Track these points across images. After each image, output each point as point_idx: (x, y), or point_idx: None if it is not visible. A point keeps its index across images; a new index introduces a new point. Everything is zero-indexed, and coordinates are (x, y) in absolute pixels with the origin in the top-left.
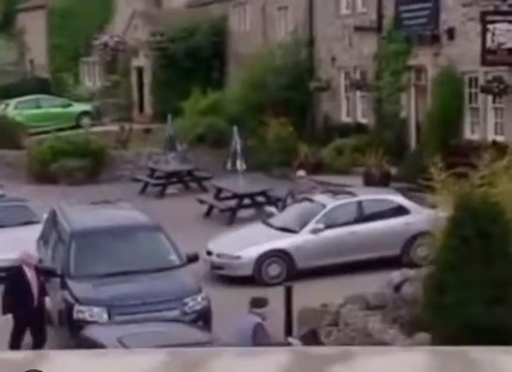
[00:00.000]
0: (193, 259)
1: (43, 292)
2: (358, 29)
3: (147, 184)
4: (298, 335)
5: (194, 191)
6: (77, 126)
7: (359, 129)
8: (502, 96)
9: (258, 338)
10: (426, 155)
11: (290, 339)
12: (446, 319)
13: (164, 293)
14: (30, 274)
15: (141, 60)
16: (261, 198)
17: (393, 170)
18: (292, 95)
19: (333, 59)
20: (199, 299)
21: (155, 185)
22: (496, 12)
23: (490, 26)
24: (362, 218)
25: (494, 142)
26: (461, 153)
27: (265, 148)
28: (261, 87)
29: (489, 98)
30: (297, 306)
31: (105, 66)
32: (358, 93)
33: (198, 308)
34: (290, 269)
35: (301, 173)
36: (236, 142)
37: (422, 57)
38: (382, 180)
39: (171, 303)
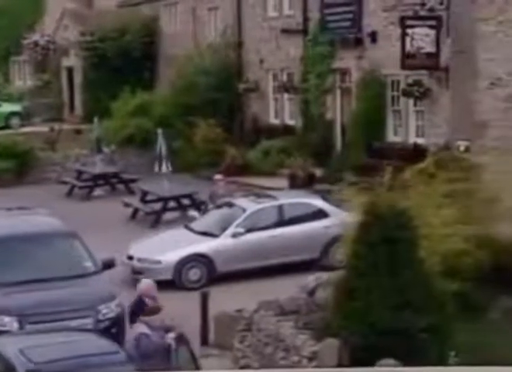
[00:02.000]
0: (109, 265)
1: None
2: (284, 31)
3: (73, 187)
4: (213, 341)
5: (121, 193)
6: (7, 127)
7: (286, 130)
8: (422, 99)
9: (141, 348)
10: (350, 157)
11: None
12: (354, 324)
13: (77, 300)
14: None
15: (71, 60)
16: (186, 201)
17: (318, 172)
18: (221, 97)
19: (262, 61)
20: (113, 306)
21: (81, 187)
22: (415, 17)
23: (409, 31)
24: (283, 221)
25: (415, 145)
26: (384, 155)
27: (193, 149)
28: (190, 88)
29: (411, 101)
30: (215, 311)
31: (35, 65)
32: (286, 95)
33: (111, 315)
34: (211, 273)
35: (218, 176)
36: (161, 145)
37: (346, 60)
38: (306, 182)
39: (83, 311)
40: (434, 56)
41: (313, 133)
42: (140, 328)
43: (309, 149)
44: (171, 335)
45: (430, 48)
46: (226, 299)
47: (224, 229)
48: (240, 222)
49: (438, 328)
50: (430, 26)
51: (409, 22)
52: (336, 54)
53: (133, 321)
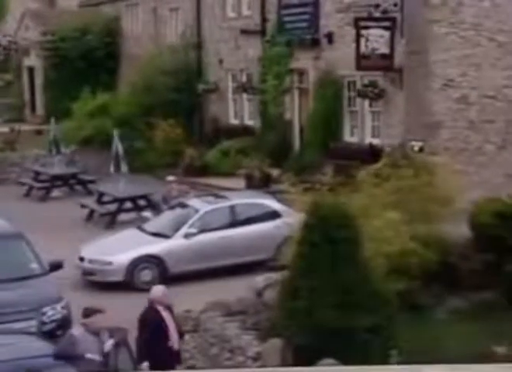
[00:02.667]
0: (56, 267)
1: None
2: (243, 32)
3: (31, 188)
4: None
5: (79, 194)
6: None
7: (246, 131)
8: (377, 100)
9: (60, 346)
10: (307, 157)
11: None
12: (297, 324)
13: (21, 302)
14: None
15: (32, 60)
16: (142, 202)
17: (275, 172)
18: (181, 97)
19: (221, 61)
20: (59, 308)
21: (39, 188)
22: (370, 18)
23: (364, 32)
24: (235, 222)
25: (371, 145)
26: (341, 156)
27: (153, 150)
28: (150, 88)
29: (366, 101)
30: None
31: None
32: (245, 95)
33: (57, 317)
34: (163, 274)
35: (170, 177)
36: (117, 145)
37: (303, 61)
38: (262, 183)
39: (27, 313)
40: (389, 57)
41: (272, 134)
42: (74, 330)
43: (267, 150)
44: (111, 340)
45: (384, 49)
46: (177, 300)
47: (176, 230)
48: (193, 222)
49: (381, 328)
50: (385, 28)
51: (363, 24)
52: (293, 55)
53: (141, 329)
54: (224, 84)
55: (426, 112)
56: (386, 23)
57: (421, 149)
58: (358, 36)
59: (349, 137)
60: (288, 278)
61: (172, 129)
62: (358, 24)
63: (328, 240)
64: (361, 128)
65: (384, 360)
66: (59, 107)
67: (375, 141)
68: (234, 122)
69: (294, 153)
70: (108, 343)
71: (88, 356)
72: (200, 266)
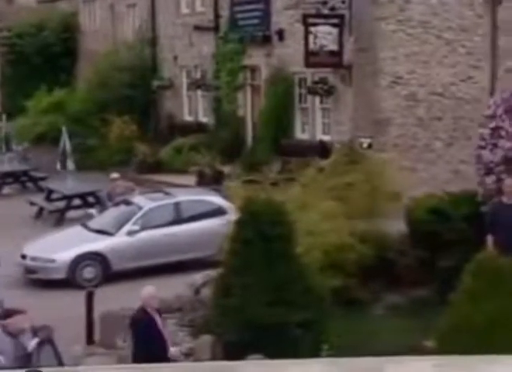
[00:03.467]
0: None
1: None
2: (197, 28)
3: None
4: (98, 339)
5: (31, 191)
6: None
7: (200, 128)
8: (327, 97)
9: None
10: (259, 154)
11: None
12: (229, 321)
13: None
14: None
15: None
16: (91, 199)
17: (227, 169)
18: (136, 94)
19: (176, 58)
20: None
21: None
22: (318, 15)
23: (312, 29)
24: (179, 219)
25: (321, 142)
26: (292, 152)
27: (107, 147)
28: (105, 85)
29: (317, 98)
30: (104, 309)
31: None
32: (199, 92)
33: None
34: (105, 271)
35: (114, 175)
36: (66, 142)
37: (255, 57)
38: (214, 179)
39: None
40: (337, 54)
41: (225, 130)
42: None
43: (220, 147)
44: (35, 340)
45: (332, 46)
46: (117, 297)
47: (120, 227)
48: (136, 219)
49: (313, 323)
50: (333, 25)
51: (311, 20)
52: (246, 52)
53: (133, 329)
54: (179, 81)
55: (374, 109)
56: (335, 20)
57: (370, 146)
58: (307, 33)
59: (300, 134)
60: (222, 275)
61: (126, 125)
62: (307, 21)
63: (261, 237)
64: (311, 125)
65: (315, 355)
66: (15, 104)
67: (326, 138)
68: (189, 118)
69: (246, 150)
70: (32, 343)
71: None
72: (143, 263)
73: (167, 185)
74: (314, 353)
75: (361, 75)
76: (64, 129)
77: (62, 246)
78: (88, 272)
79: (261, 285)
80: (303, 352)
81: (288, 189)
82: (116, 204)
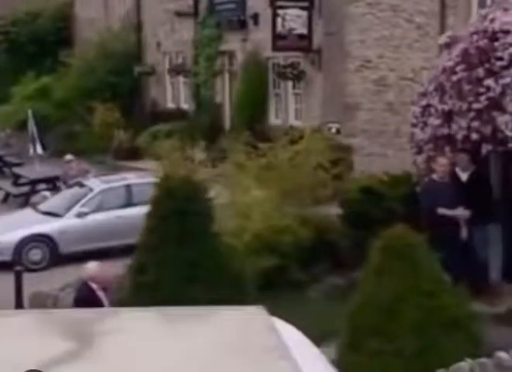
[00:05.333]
0: None
1: None
2: (178, 14)
3: None
4: None
5: (7, 177)
6: None
7: (182, 114)
8: (298, 82)
9: None
10: (234, 140)
11: None
12: (142, 299)
13: None
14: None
15: None
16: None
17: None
18: (121, 80)
19: (159, 44)
20: None
21: None
22: None
23: (281, 12)
24: (131, 201)
25: (290, 127)
26: (266, 138)
27: (91, 134)
28: (92, 72)
29: (290, 83)
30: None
31: None
32: (181, 79)
33: None
34: (53, 254)
35: (69, 157)
36: (32, 127)
37: (232, 43)
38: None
39: None
40: (306, 37)
41: (203, 116)
42: None
43: (198, 133)
44: None
45: (302, 29)
46: (59, 279)
47: (69, 209)
48: (86, 201)
49: (229, 302)
50: (302, 7)
51: (279, 3)
52: (223, 37)
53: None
54: (162, 68)
55: (343, 94)
56: (304, 3)
57: (338, 131)
58: (275, 16)
59: (274, 119)
60: (138, 253)
61: (110, 112)
62: (274, 3)
63: (177, 213)
64: (284, 110)
65: None
66: (6, 91)
67: (297, 123)
68: (171, 105)
69: (223, 136)
70: None
71: None
72: (93, 246)
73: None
74: None
75: (330, 59)
76: (30, 112)
77: (8, 228)
78: (35, 254)
79: (176, 262)
80: None
81: (219, 168)
82: (70, 187)
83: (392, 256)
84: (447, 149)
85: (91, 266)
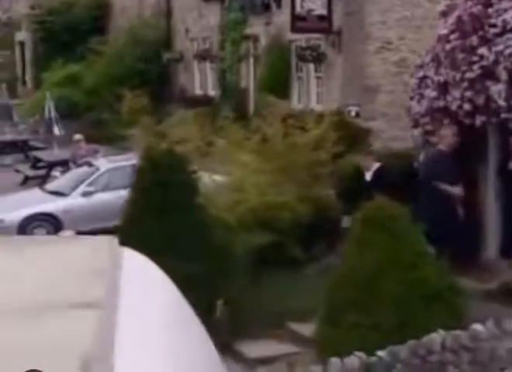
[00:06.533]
0: None
1: None
2: None
3: None
4: None
5: (31, 161)
6: None
7: (209, 101)
8: (318, 64)
9: None
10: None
11: None
12: None
13: None
14: None
15: (23, 34)
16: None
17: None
18: (150, 67)
19: (187, 30)
20: None
21: None
22: None
23: None
24: None
25: (312, 112)
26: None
27: (119, 121)
28: (121, 59)
29: (312, 67)
30: None
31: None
32: (208, 65)
33: None
34: (57, 233)
35: (78, 136)
36: (50, 108)
37: (256, 27)
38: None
39: None
40: (326, 18)
41: (228, 102)
42: None
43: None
44: None
45: (321, 10)
46: None
47: (75, 188)
48: (92, 180)
49: (209, 277)
50: None
51: None
52: (248, 21)
53: None
54: (190, 54)
55: (363, 76)
56: None
57: (358, 115)
58: None
59: (297, 104)
60: (120, 225)
61: (138, 99)
62: None
63: (158, 184)
64: (306, 94)
65: (208, 309)
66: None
67: (318, 107)
68: (199, 92)
69: (247, 122)
70: None
71: None
72: (97, 225)
73: None
74: (207, 306)
75: (350, 41)
76: (48, 94)
77: (13, 207)
78: (39, 233)
79: (156, 234)
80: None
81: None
82: (79, 166)
83: (372, 227)
84: (445, 121)
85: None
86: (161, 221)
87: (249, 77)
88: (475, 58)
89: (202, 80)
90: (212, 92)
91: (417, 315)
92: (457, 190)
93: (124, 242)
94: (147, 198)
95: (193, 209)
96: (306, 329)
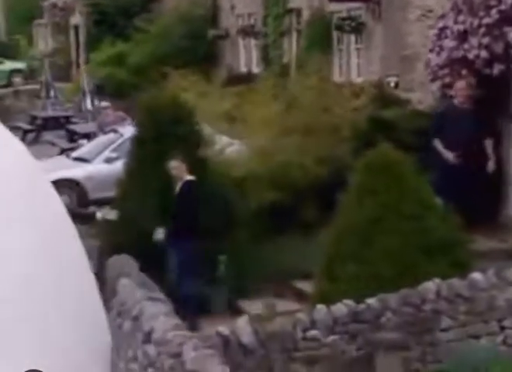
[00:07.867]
0: None
1: None
2: None
3: (25, 132)
4: None
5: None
6: (9, 85)
7: (253, 78)
8: (357, 34)
9: None
10: None
11: None
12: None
13: None
14: None
15: (77, 18)
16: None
17: None
18: (195, 45)
19: (233, 7)
20: None
21: (30, 131)
22: None
23: None
24: None
25: (350, 84)
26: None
27: None
28: (166, 37)
29: (352, 38)
30: None
31: (54, 27)
32: (253, 41)
33: None
34: (81, 199)
35: (105, 103)
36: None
37: (298, 0)
38: None
39: None
40: None
41: (272, 78)
42: None
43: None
44: None
45: None
46: None
47: (98, 155)
48: (115, 146)
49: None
50: None
51: None
52: None
53: None
54: (235, 31)
55: (402, 45)
56: None
57: (397, 85)
58: None
59: (338, 77)
60: (123, 181)
61: (183, 78)
62: None
63: (156, 137)
64: (346, 66)
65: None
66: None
67: (359, 80)
68: (244, 70)
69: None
70: None
71: None
72: None
73: None
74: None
75: (390, 9)
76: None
77: None
78: (63, 199)
79: (151, 187)
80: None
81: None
82: (105, 133)
83: (373, 173)
84: (464, 72)
85: None
86: (157, 174)
87: (291, 51)
88: (493, 2)
89: (246, 58)
90: (256, 69)
91: (416, 266)
92: (450, 155)
93: (125, 197)
94: (143, 150)
95: (195, 162)
96: (311, 288)
